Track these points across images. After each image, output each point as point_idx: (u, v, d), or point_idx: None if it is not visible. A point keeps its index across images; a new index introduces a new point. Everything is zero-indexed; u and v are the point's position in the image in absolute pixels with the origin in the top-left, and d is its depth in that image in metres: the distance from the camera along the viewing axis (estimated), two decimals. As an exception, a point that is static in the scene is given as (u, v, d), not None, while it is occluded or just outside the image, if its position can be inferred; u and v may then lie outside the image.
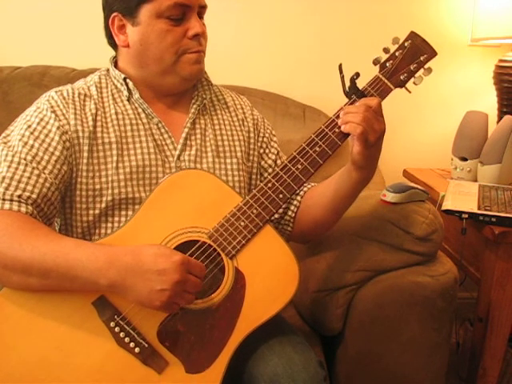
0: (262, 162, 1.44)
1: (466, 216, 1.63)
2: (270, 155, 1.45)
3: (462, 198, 1.77)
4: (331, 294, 1.46)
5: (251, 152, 1.42)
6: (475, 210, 1.64)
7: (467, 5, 2.27)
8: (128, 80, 1.29)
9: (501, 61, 2.18)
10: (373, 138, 1.17)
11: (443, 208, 1.67)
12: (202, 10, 1.29)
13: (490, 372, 1.72)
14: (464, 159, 2.07)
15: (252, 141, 1.42)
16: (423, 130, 2.42)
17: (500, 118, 2.19)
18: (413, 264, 1.45)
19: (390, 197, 1.46)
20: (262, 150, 1.44)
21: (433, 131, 2.42)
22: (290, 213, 1.42)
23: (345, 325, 1.47)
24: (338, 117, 1.21)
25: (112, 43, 1.33)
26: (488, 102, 2.30)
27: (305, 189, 1.42)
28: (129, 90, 1.30)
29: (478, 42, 2.26)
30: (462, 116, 2.11)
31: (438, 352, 1.48)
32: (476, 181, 2.03)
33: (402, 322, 1.44)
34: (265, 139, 1.45)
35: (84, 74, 1.84)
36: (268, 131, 1.47)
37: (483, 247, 1.70)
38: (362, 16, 2.29)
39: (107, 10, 1.28)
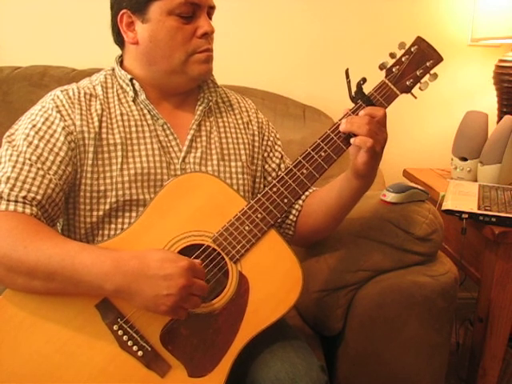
0: (266, 166, 1.44)
1: (466, 216, 1.63)
2: (273, 159, 1.45)
3: (462, 197, 1.77)
4: (331, 294, 1.46)
5: (255, 155, 1.42)
6: (475, 210, 1.64)
7: (467, 5, 2.28)
8: (134, 81, 1.29)
9: (501, 61, 2.18)
10: (379, 148, 1.18)
11: (443, 208, 1.67)
12: (210, 10, 1.30)
13: (490, 372, 1.72)
14: (464, 159, 2.07)
15: (256, 144, 1.42)
16: (423, 130, 2.43)
17: (500, 117, 2.19)
18: (413, 264, 1.45)
19: (390, 197, 1.47)
20: (266, 154, 1.44)
21: (433, 131, 2.42)
22: (291, 217, 1.42)
23: (345, 325, 1.47)
24: None
25: (119, 41, 1.32)
26: (488, 102, 2.30)
27: (306, 193, 1.42)
28: (135, 90, 1.29)
29: (477, 42, 2.26)
30: (462, 116, 2.12)
31: (438, 352, 1.48)
32: (476, 181, 2.03)
33: (402, 322, 1.44)
34: (269, 143, 1.45)
35: (84, 74, 1.85)
36: (272, 135, 1.47)
37: (483, 247, 1.70)
38: (362, 16, 2.29)
39: (116, 6, 1.28)
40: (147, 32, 1.25)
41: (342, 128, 1.20)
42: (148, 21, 1.24)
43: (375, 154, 1.18)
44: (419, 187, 1.52)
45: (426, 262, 1.46)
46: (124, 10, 1.26)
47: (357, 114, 1.21)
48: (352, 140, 1.18)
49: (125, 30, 1.27)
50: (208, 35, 1.26)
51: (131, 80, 1.29)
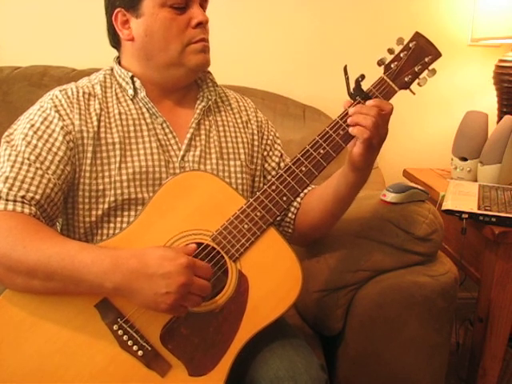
0: (266, 165, 1.44)
1: (466, 216, 1.63)
2: (273, 158, 1.45)
3: (462, 197, 1.77)
4: (331, 294, 1.46)
5: (255, 154, 1.42)
6: (475, 210, 1.64)
7: (467, 5, 2.28)
8: (135, 78, 1.29)
9: (501, 61, 2.19)
10: (377, 142, 1.17)
11: (443, 208, 1.67)
12: (204, 3, 1.30)
13: (490, 372, 1.72)
14: (464, 159, 2.07)
15: (256, 143, 1.42)
16: (423, 130, 2.43)
17: (500, 118, 2.19)
18: (413, 264, 1.45)
19: (390, 197, 1.47)
20: (265, 153, 1.44)
21: (433, 131, 2.42)
22: (290, 215, 1.42)
23: (345, 325, 1.47)
24: (341, 118, 1.21)
25: (115, 42, 1.33)
26: (488, 102, 2.30)
27: (305, 190, 1.42)
28: (135, 88, 1.29)
29: (477, 42, 2.27)
30: (461, 116, 2.12)
31: (438, 352, 1.48)
32: (476, 181, 2.03)
33: (402, 322, 1.44)
34: (268, 142, 1.45)
35: (84, 74, 1.84)
36: (272, 133, 1.47)
37: (483, 247, 1.70)
38: (362, 15, 2.29)
39: (110, 7, 1.28)
40: (142, 26, 1.25)
41: (349, 120, 1.19)
42: (142, 15, 1.24)
43: (371, 147, 1.18)
44: (419, 187, 1.52)
45: (425, 262, 1.46)
46: (118, 9, 1.26)
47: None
48: (350, 129, 1.18)
49: (120, 28, 1.28)
50: (203, 25, 1.27)
51: (132, 77, 1.29)
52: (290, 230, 1.44)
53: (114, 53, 1.36)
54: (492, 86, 2.24)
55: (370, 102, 1.19)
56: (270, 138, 1.46)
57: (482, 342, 1.71)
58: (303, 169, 1.20)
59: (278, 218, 1.29)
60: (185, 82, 1.33)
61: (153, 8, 1.23)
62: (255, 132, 1.43)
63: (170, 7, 1.23)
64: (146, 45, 1.26)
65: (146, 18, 1.24)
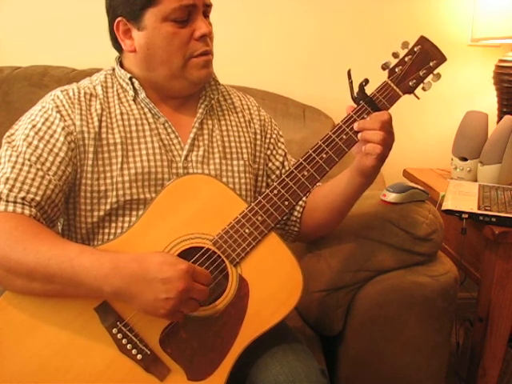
0: (270, 164, 1.44)
1: (466, 216, 1.63)
2: (277, 157, 1.45)
3: (462, 197, 1.77)
4: (331, 294, 1.46)
5: (258, 154, 1.42)
6: (475, 210, 1.64)
7: (467, 5, 2.27)
8: (134, 80, 1.29)
9: (501, 61, 2.18)
10: (387, 152, 1.19)
11: (443, 208, 1.67)
12: (207, 8, 1.28)
13: (490, 372, 1.72)
14: (464, 159, 2.07)
15: (259, 142, 1.42)
16: (423, 130, 2.42)
17: (500, 118, 2.19)
18: (413, 264, 1.45)
19: (390, 197, 1.47)
20: (269, 152, 1.44)
21: (433, 131, 2.42)
22: (295, 213, 1.42)
23: (345, 325, 1.48)
24: (345, 123, 1.21)
25: (117, 47, 1.32)
26: (488, 102, 2.29)
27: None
28: (135, 89, 1.29)
29: (477, 42, 2.26)
30: (462, 116, 2.11)
31: (438, 352, 1.48)
32: (476, 181, 2.03)
33: (402, 322, 1.44)
34: (272, 140, 1.45)
35: (84, 74, 1.85)
36: (275, 132, 1.47)
37: (483, 247, 1.70)
38: (361, 16, 2.29)
39: (111, 14, 1.27)
40: (144, 40, 1.24)
41: (359, 137, 1.20)
42: (144, 28, 1.23)
43: (383, 158, 1.19)
44: (419, 187, 1.52)
45: (426, 262, 1.47)
46: (119, 18, 1.25)
47: (362, 118, 1.21)
48: (363, 148, 1.18)
49: (122, 37, 1.27)
50: (206, 36, 1.25)
51: (130, 79, 1.29)
52: (296, 229, 1.44)
53: (115, 53, 1.36)
54: (492, 86, 2.24)
55: (366, 119, 1.20)
56: (274, 136, 1.46)
57: (482, 342, 1.71)
58: (305, 173, 1.20)
59: (280, 223, 1.29)
60: (187, 93, 1.33)
61: (155, 22, 1.22)
62: (258, 131, 1.43)
63: (172, 21, 1.22)
64: (147, 57, 1.26)
65: (149, 31, 1.23)
